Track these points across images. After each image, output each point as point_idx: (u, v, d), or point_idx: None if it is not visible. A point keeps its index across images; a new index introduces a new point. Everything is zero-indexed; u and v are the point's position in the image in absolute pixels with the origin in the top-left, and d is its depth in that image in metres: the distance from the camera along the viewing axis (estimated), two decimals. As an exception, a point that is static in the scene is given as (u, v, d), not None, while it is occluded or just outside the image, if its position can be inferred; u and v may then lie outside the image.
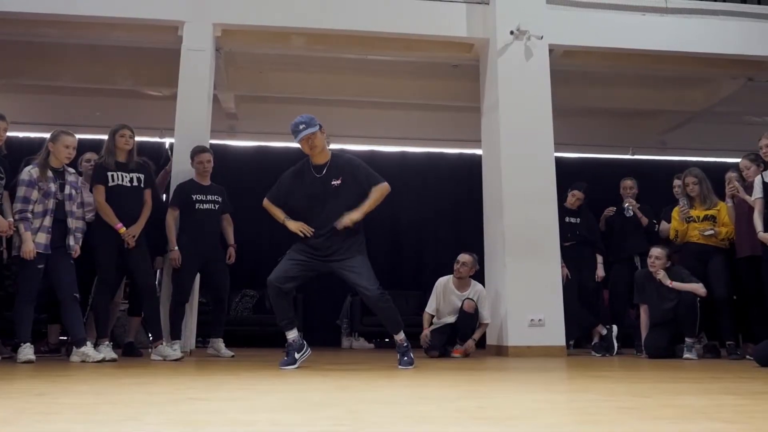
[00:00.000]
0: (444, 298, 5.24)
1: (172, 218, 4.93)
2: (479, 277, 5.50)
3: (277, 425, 1.48)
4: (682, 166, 6.26)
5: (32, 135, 7.27)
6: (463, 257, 5.23)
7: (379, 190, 3.74)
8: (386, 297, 3.69)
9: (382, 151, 8.24)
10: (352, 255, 3.69)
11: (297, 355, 3.71)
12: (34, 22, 5.65)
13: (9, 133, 7.13)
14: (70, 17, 5.57)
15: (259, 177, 7.80)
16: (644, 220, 5.76)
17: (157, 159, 5.70)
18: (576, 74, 6.93)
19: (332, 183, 3.73)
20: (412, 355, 3.76)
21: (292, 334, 3.75)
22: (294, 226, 3.73)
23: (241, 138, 8.14)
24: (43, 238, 4.01)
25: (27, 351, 3.90)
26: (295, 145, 3.80)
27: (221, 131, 7.76)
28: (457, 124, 7.89)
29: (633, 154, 8.47)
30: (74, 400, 1.94)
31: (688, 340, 4.93)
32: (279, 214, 3.82)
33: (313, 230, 3.70)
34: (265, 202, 3.88)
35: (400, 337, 3.77)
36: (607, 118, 8.40)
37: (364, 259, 3.74)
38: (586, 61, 6.47)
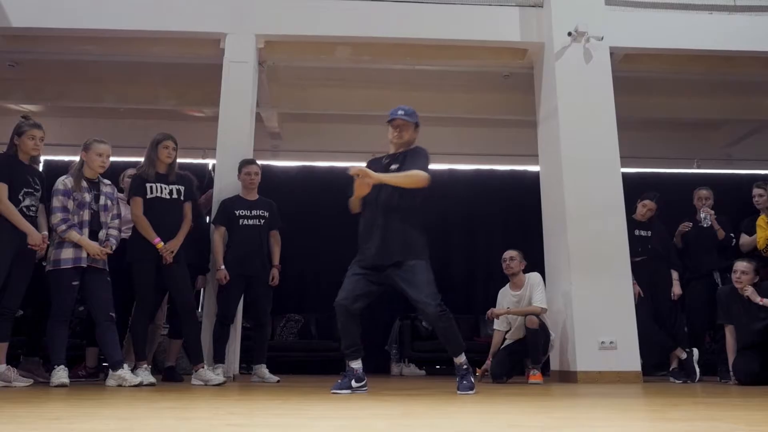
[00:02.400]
0: (504, 304, 5.02)
1: (218, 236, 4.75)
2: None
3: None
4: (753, 179, 5.73)
5: (76, 158, 7.17)
6: (509, 252, 5.07)
7: (412, 175, 3.30)
8: (447, 316, 3.32)
9: (430, 168, 7.89)
10: (409, 258, 3.32)
11: (354, 383, 3.36)
12: (76, 38, 5.59)
13: (54, 157, 7.34)
14: (111, 32, 5.48)
15: (303, 197, 7.60)
16: (721, 233, 5.24)
17: (200, 180, 5.51)
18: (635, 82, 6.49)
19: (391, 168, 3.45)
20: (472, 378, 3.41)
21: (356, 364, 3.41)
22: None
23: (284, 158, 7.92)
24: (78, 251, 3.77)
25: (60, 374, 3.64)
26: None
27: (265, 150, 7.58)
28: (509, 139, 7.54)
29: (698, 167, 7.91)
30: (91, 425, 1.62)
31: (784, 364, 4.38)
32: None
33: None
34: None
35: (461, 359, 3.42)
36: (669, 128, 7.90)
37: (424, 267, 3.34)
38: (649, 66, 6.09)
